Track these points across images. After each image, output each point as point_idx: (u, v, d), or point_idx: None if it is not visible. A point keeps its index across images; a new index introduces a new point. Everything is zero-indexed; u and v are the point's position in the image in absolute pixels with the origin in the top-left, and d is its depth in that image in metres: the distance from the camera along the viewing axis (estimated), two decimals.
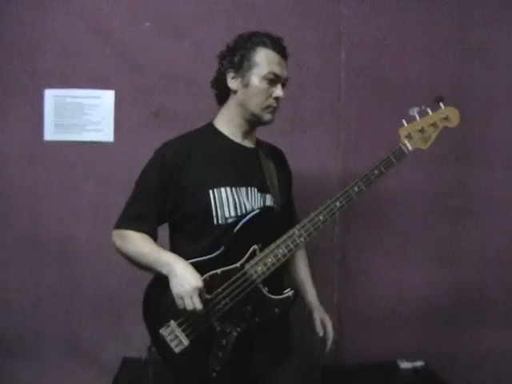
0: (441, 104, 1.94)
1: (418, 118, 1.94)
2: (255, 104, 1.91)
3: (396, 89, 2.90)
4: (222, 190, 1.88)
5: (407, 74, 2.91)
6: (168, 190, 1.88)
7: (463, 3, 2.94)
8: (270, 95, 1.90)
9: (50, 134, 2.77)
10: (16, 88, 2.77)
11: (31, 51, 2.77)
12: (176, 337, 1.78)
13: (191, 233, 1.91)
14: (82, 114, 2.77)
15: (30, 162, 2.78)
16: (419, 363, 2.79)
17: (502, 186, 2.97)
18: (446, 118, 1.95)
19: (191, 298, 1.71)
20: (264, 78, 1.88)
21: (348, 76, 2.89)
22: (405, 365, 2.78)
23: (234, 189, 1.89)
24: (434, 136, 1.96)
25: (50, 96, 2.76)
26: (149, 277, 1.87)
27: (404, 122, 1.95)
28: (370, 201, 2.75)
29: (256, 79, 1.89)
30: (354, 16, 2.89)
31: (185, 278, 1.73)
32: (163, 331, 1.79)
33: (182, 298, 1.72)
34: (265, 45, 1.90)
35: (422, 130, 1.94)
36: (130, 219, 1.89)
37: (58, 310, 2.82)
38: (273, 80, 1.90)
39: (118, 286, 2.77)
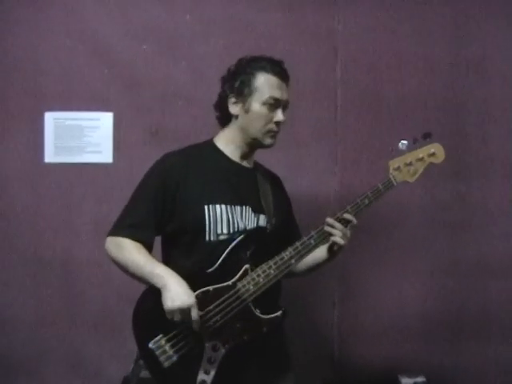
0: (428, 140, 2.01)
1: (405, 152, 2.01)
2: (256, 129, 1.94)
3: (392, 103, 2.92)
4: (217, 206, 1.90)
5: (403, 89, 2.93)
6: (165, 201, 1.89)
7: (457, 18, 2.96)
8: (270, 120, 1.94)
9: (51, 156, 2.82)
10: (17, 111, 2.83)
11: (32, 74, 2.83)
12: (165, 351, 1.79)
13: (183, 246, 1.92)
14: (81, 136, 2.81)
15: (31, 184, 2.82)
16: (420, 379, 2.76)
17: (500, 198, 2.96)
18: (433, 154, 2.02)
19: (182, 314, 1.73)
20: (264, 103, 1.92)
21: (344, 92, 2.92)
22: (406, 380, 2.75)
23: (228, 207, 1.91)
24: (420, 170, 2.02)
25: (50, 119, 2.81)
26: None
27: (393, 153, 2.01)
28: (370, 216, 2.74)
29: (256, 105, 1.92)
30: (349, 32, 2.92)
31: (178, 294, 1.74)
32: (152, 345, 1.80)
33: (173, 313, 1.74)
34: (264, 69, 1.93)
35: (410, 164, 2.01)
36: (126, 227, 1.90)
37: (60, 327, 2.84)
38: (273, 105, 1.93)
39: (119, 304, 2.77)
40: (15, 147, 2.82)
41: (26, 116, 2.83)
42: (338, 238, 1.89)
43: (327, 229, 1.89)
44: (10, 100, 2.84)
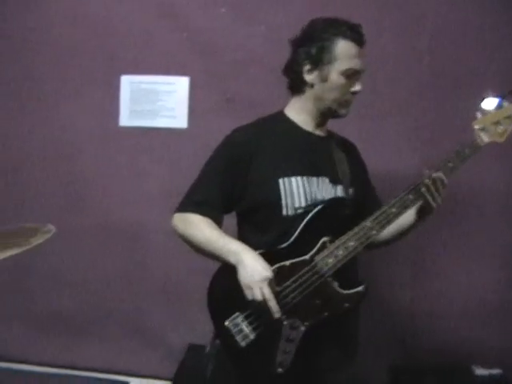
0: None
1: (492, 111, 1.84)
2: (333, 99, 1.84)
3: (479, 77, 2.72)
4: (293, 179, 1.82)
5: (491, 62, 2.72)
6: (236, 178, 1.83)
7: None
8: (348, 90, 1.83)
9: (125, 119, 2.81)
10: (93, 74, 2.83)
11: (108, 37, 2.81)
12: (242, 330, 1.73)
13: (259, 223, 1.86)
14: (156, 101, 2.78)
15: (105, 147, 2.83)
16: (496, 371, 2.62)
17: None
18: None
19: (260, 288, 1.65)
20: (343, 73, 1.81)
21: (430, 62, 2.74)
22: (480, 371, 2.61)
23: (304, 178, 1.83)
24: (510, 129, 1.84)
25: (126, 82, 2.80)
26: (217, 265, 1.84)
27: (478, 114, 1.85)
28: (444, 199, 2.61)
29: (335, 74, 1.81)
30: None
31: (254, 269, 1.67)
32: (228, 324, 1.74)
33: (250, 288, 1.66)
34: (344, 36, 1.80)
35: (497, 123, 1.84)
36: (194, 203, 1.85)
37: (126, 291, 2.87)
38: (352, 75, 1.82)
39: (186, 272, 2.77)
40: (90, 110, 2.83)
41: (102, 79, 2.83)
42: (431, 199, 1.76)
43: (423, 190, 1.75)
44: (86, 63, 2.84)
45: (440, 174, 1.76)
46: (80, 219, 2.86)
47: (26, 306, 2.97)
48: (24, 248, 1.93)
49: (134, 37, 2.80)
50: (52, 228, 2.12)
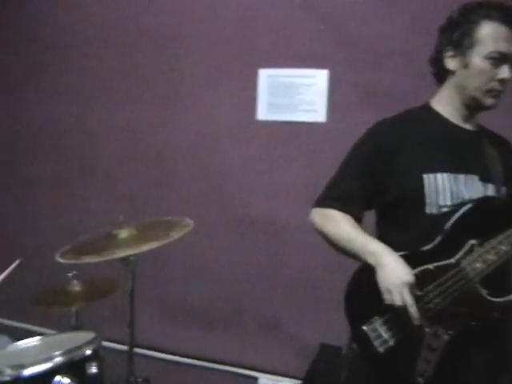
0: None
1: None
2: (475, 87, 1.70)
3: None
4: (438, 175, 1.70)
5: None
6: (377, 172, 1.75)
7: None
8: (493, 77, 1.68)
9: (263, 113, 2.80)
10: (231, 67, 2.86)
11: (246, 30, 2.82)
12: (380, 335, 1.65)
13: (399, 221, 1.76)
14: (295, 94, 2.75)
15: (243, 141, 2.85)
16: None
17: None
18: None
19: (401, 293, 1.57)
20: (487, 57, 1.66)
21: None
22: None
23: (451, 175, 1.70)
24: None
25: (264, 76, 2.79)
26: (355, 264, 1.76)
27: None
28: None
29: (477, 59, 1.67)
30: None
31: (395, 272, 1.59)
32: (366, 328, 1.66)
33: (390, 292, 1.58)
34: (490, 18, 1.66)
35: None
36: (333, 198, 1.80)
37: (261, 286, 2.87)
38: (498, 59, 1.66)
39: (322, 270, 2.72)
40: (228, 103, 2.87)
41: (240, 73, 2.85)
42: None
43: None
44: (224, 57, 2.88)
45: None
46: (217, 212, 2.91)
47: (162, 296, 3.09)
48: (163, 242, 1.99)
49: (271, 30, 2.79)
50: (190, 222, 2.16)
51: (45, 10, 3.26)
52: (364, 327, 1.66)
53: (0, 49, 3.43)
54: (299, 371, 2.66)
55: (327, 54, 2.72)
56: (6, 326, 3.53)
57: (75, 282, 2.46)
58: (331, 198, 1.80)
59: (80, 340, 1.91)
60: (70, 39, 3.21)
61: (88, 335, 1.97)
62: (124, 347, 2.35)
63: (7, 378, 1.71)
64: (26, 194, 3.44)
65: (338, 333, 2.45)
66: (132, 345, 2.34)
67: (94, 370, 1.84)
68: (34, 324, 3.38)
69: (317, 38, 2.72)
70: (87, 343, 1.89)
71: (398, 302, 1.57)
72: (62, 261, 2.11)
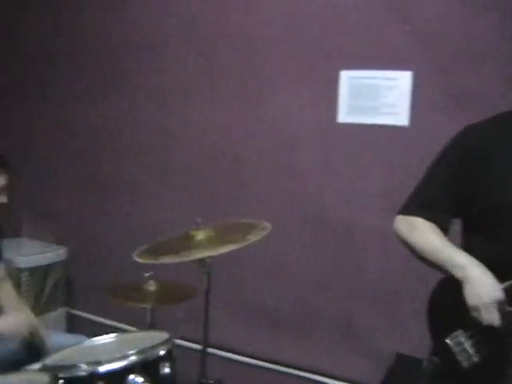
0: None
1: None
2: None
3: None
4: None
5: None
6: (467, 178, 1.68)
7: None
8: None
9: (344, 115, 2.74)
10: (312, 68, 2.81)
11: (327, 31, 2.76)
12: (465, 350, 1.57)
13: (489, 230, 1.67)
14: (377, 97, 2.67)
15: (323, 143, 2.80)
16: None
17: None
18: None
19: (489, 311, 1.50)
20: None
21: None
22: None
23: None
24: None
25: (346, 77, 2.73)
26: (436, 272, 1.70)
27: None
28: None
29: None
30: None
31: (482, 288, 1.52)
32: (450, 341, 1.59)
33: (477, 310, 1.52)
34: None
35: None
36: (419, 206, 1.74)
37: (338, 292, 2.81)
38: None
39: (401, 277, 2.64)
40: (308, 105, 2.82)
41: (321, 74, 2.80)
42: None
43: None
44: (305, 58, 2.83)
45: None
46: (294, 215, 2.88)
47: (237, 298, 3.08)
48: (241, 245, 1.98)
49: (354, 30, 2.72)
50: (268, 225, 2.15)
51: (130, 13, 3.32)
52: (447, 340, 1.60)
53: (82, 52, 3.53)
54: (373, 380, 2.58)
55: (411, 55, 2.62)
56: (84, 318, 3.65)
57: (151, 282, 2.49)
58: (417, 205, 1.75)
59: (154, 340, 1.92)
60: (150, 40, 3.26)
61: (162, 335, 1.98)
62: (197, 346, 2.36)
63: (83, 374, 1.74)
64: (105, 193, 3.54)
65: (415, 343, 2.40)
66: (205, 345, 2.35)
67: (167, 370, 1.84)
68: (111, 319, 3.47)
69: (401, 38, 2.63)
70: (162, 343, 1.90)
71: (485, 320, 1.50)
72: (139, 260, 2.14)
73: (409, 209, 1.76)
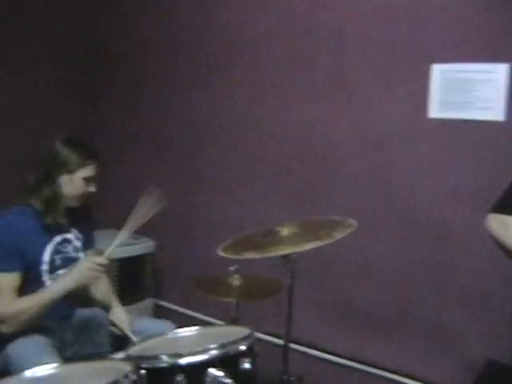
0: None
1: None
2: None
3: None
4: None
5: None
6: None
7: None
8: None
9: (435, 111, 2.65)
10: (402, 62, 2.74)
11: (418, 23, 2.68)
12: None
13: None
14: (470, 91, 2.56)
15: (413, 139, 2.73)
16: None
17: None
18: None
19: None
20: None
21: None
22: None
23: None
24: None
25: (437, 71, 2.63)
26: None
27: None
28: None
29: None
30: None
31: None
32: None
33: None
34: None
35: None
36: None
37: (427, 292, 2.73)
38: None
39: (495, 280, 2.52)
40: (398, 100, 2.75)
41: (412, 68, 2.72)
42: None
43: None
44: (394, 51, 2.76)
45: None
46: (383, 213, 2.82)
47: (321, 295, 3.06)
48: (326, 242, 1.96)
49: (445, 22, 2.62)
50: (354, 223, 2.11)
51: (225, 10, 3.37)
52: None
53: (179, 48, 3.61)
54: None
55: (507, 46, 2.49)
56: (170, 309, 3.74)
57: (236, 276, 2.51)
58: (510, 203, 1.66)
59: (235, 335, 1.94)
60: (242, 35, 3.29)
61: (243, 331, 2.00)
62: (279, 341, 2.35)
63: (164, 365, 1.79)
64: (194, 187, 3.61)
65: (507, 349, 2.29)
66: (288, 341, 2.34)
67: (247, 365, 1.85)
68: (196, 311, 3.54)
69: (495, 29, 2.51)
70: (243, 339, 1.92)
71: None
72: (223, 255, 2.16)
73: (502, 207, 1.71)
